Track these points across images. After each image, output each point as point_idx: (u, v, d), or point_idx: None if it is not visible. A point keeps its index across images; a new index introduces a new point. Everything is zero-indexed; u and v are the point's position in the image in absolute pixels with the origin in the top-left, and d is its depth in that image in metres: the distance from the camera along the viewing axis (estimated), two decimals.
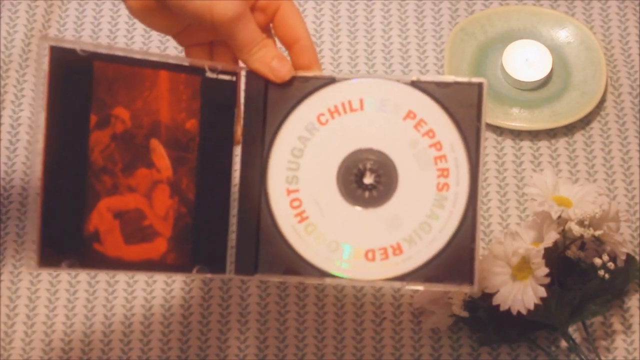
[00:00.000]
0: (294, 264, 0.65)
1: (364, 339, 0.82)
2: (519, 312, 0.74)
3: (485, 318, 0.79)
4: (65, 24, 0.96)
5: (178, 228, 0.64)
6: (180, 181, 0.64)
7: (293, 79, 0.66)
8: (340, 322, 0.83)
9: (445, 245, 0.64)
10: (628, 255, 0.79)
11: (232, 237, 0.66)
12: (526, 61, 0.92)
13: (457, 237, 0.64)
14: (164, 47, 0.95)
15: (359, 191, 0.65)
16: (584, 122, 0.91)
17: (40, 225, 0.59)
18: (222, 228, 0.66)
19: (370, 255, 0.65)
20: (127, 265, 0.63)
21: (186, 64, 0.65)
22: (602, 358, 0.80)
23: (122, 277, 0.84)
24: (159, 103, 0.64)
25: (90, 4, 0.97)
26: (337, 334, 0.82)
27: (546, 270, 0.73)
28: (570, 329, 0.81)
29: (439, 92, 0.65)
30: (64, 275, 0.84)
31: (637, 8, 0.97)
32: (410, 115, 0.65)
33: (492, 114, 0.90)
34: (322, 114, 0.66)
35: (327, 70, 0.94)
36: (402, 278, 0.64)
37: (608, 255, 0.77)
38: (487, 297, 0.76)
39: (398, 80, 0.66)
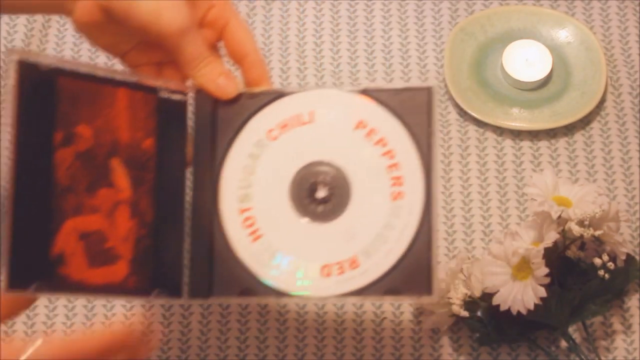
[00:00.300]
0: (250, 284, 0.63)
1: (364, 339, 0.82)
2: (519, 312, 0.74)
3: (485, 318, 0.79)
4: (65, 24, 0.96)
5: (138, 250, 0.63)
6: (140, 201, 0.63)
7: (241, 95, 0.65)
8: (340, 322, 0.83)
9: (402, 256, 0.62)
10: (628, 255, 0.79)
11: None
12: (526, 61, 0.92)
13: (414, 246, 0.62)
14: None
15: (313, 205, 0.64)
16: (584, 122, 0.91)
17: (9, 249, 0.57)
18: (178, 251, 0.64)
19: (326, 270, 0.63)
20: (90, 290, 0.61)
21: (142, 82, 0.64)
22: (602, 358, 0.80)
23: None
24: (118, 121, 0.63)
25: None
26: (337, 334, 0.82)
27: (546, 270, 0.73)
28: (570, 329, 0.81)
29: (389, 99, 0.64)
30: None
31: (637, 8, 0.97)
32: (360, 125, 0.64)
33: (492, 114, 0.90)
34: (272, 129, 0.65)
35: (327, 71, 0.94)
36: (360, 292, 0.62)
37: (608, 255, 0.77)
38: (487, 297, 0.76)
39: (347, 90, 0.65)
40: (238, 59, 0.67)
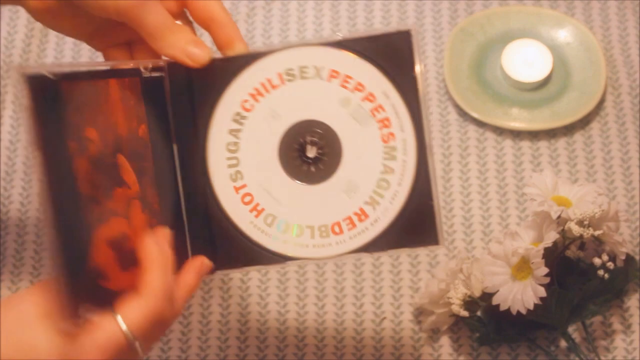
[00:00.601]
0: (256, 255, 0.63)
1: (364, 339, 0.82)
2: (518, 312, 0.74)
3: (485, 318, 0.79)
4: None
5: None
6: (146, 192, 0.62)
7: (214, 62, 0.63)
8: (340, 322, 0.83)
9: (407, 199, 0.61)
10: (627, 255, 0.79)
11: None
12: (526, 61, 0.92)
13: (417, 189, 0.61)
14: None
15: (306, 167, 0.63)
16: (584, 122, 0.91)
17: (60, 276, 0.54)
18: (181, 233, 0.63)
19: (337, 228, 0.63)
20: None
21: (123, 66, 0.62)
22: (602, 358, 0.80)
23: None
24: (115, 115, 0.61)
25: None
26: (337, 334, 0.82)
27: (546, 270, 0.73)
28: (570, 329, 0.81)
29: (360, 46, 0.62)
30: None
31: (637, 8, 0.97)
32: (333, 74, 0.62)
33: (491, 114, 0.90)
34: (246, 100, 0.63)
35: None
36: (368, 247, 0.62)
37: (607, 255, 0.77)
38: (487, 297, 0.76)
39: (320, 44, 0.62)
40: (205, 23, 0.64)
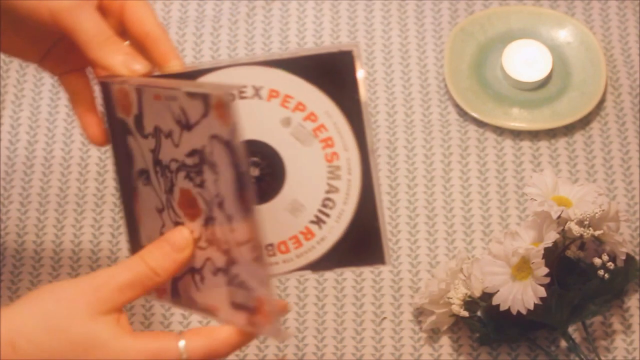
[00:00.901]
0: None
1: (364, 338, 0.82)
2: (518, 312, 0.74)
3: (485, 318, 0.79)
4: None
5: None
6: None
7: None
8: (340, 322, 0.83)
9: (353, 218, 0.61)
10: (627, 255, 0.79)
11: None
12: (526, 61, 0.92)
13: (362, 208, 0.60)
14: None
15: None
16: (584, 122, 0.91)
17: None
18: None
19: (283, 247, 0.62)
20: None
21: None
22: (602, 358, 0.80)
23: None
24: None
25: None
26: (337, 334, 0.82)
27: (546, 270, 0.73)
28: (570, 329, 0.81)
29: (300, 65, 0.60)
30: (64, 276, 0.84)
31: (637, 8, 0.97)
32: (273, 94, 0.61)
33: (492, 114, 0.90)
34: None
35: None
36: (315, 265, 0.61)
37: (608, 255, 0.77)
38: (487, 297, 0.76)
39: (252, 63, 0.60)
40: (140, 39, 0.61)
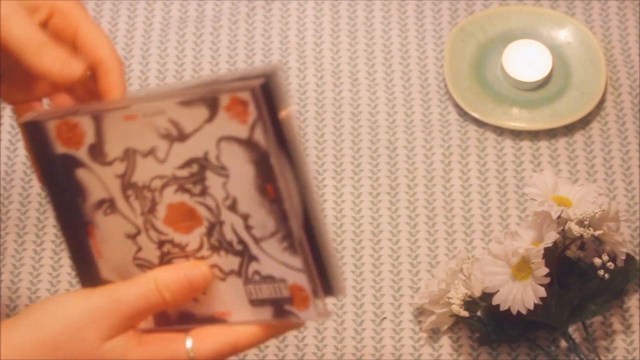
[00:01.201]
0: None
1: (364, 339, 0.82)
2: (518, 312, 0.74)
3: (485, 318, 0.79)
4: None
5: None
6: None
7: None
8: (340, 322, 0.83)
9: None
10: (628, 255, 0.79)
11: None
12: (526, 61, 0.92)
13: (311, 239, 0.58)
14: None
15: None
16: (584, 122, 0.91)
17: None
18: None
19: None
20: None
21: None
22: (602, 358, 0.80)
23: None
24: None
25: (90, 4, 0.97)
26: (337, 334, 0.82)
27: (546, 270, 0.73)
28: (570, 329, 0.81)
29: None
30: (64, 276, 0.84)
31: (637, 8, 0.97)
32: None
33: (492, 114, 0.90)
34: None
35: (327, 71, 0.94)
36: None
37: (608, 255, 0.77)
38: (487, 297, 0.76)
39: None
40: (92, 65, 0.59)
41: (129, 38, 0.96)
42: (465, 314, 0.78)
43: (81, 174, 0.58)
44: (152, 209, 0.57)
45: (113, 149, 0.57)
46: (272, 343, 0.81)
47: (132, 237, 0.58)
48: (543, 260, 0.73)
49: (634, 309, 0.83)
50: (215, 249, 0.57)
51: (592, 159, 0.89)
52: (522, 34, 0.94)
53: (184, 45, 0.96)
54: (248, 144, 0.53)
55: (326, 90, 0.93)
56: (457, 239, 0.86)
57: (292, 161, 0.55)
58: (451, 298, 0.78)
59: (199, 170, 0.55)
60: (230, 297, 0.57)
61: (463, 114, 0.91)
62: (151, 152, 0.56)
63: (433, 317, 0.80)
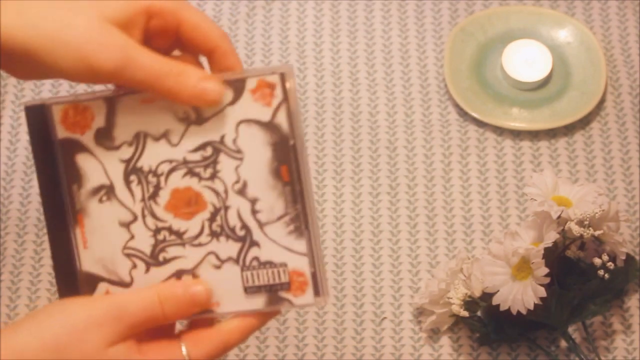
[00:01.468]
0: None
1: (364, 339, 0.82)
2: (518, 312, 0.74)
3: (485, 318, 0.79)
4: None
5: None
6: None
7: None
8: (340, 322, 0.83)
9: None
10: (627, 255, 0.79)
11: None
12: (526, 61, 0.92)
13: None
14: None
15: None
16: (584, 122, 0.91)
17: None
18: None
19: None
20: None
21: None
22: (602, 358, 0.80)
23: None
24: None
25: None
26: (337, 334, 0.82)
27: (546, 270, 0.73)
28: (570, 329, 0.81)
29: None
30: None
31: (637, 8, 0.97)
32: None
33: (492, 114, 0.90)
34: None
35: (327, 71, 0.94)
36: None
37: (608, 255, 0.77)
38: (487, 297, 0.76)
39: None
40: (207, 53, 0.58)
41: None
42: (465, 314, 0.78)
43: (82, 159, 0.59)
44: (154, 195, 0.58)
45: (123, 132, 0.58)
46: (272, 343, 0.81)
47: (126, 225, 0.59)
48: (543, 260, 0.73)
49: (634, 309, 0.83)
50: (215, 234, 0.57)
51: (592, 159, 0.89)
52: (522, 34, 0.94)
53: None
54: (269, 126, 0.56)
55: (326, 90, 0.93)
56: (457, 239, 0.86)
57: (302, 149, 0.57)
58: (451, 298, 0.78)
59: (213, 154, 0.57)
60: (222, 286, 0.58)
61: (463, 114, 0.91)
62: (164, 135, 0.57)
63: (433, 317, 0.80)
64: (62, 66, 0.54)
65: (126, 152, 0.58)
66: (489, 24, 0.95)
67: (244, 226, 0.57)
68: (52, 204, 0.60)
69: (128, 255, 0.59)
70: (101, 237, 0.59)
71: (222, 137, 0.56)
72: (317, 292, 0.57)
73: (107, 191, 0.59)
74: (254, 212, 0.56)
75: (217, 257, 0.58)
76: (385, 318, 0.83)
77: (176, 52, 0.60)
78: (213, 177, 0.57)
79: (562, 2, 0.97)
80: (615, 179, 0.88)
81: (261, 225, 0.56)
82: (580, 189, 0.79)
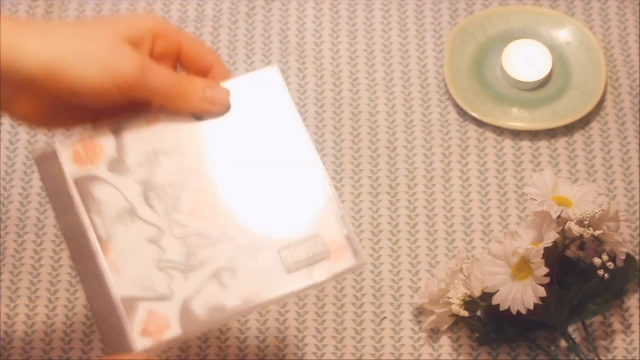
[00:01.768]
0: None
1: (364, 339, 0.82)
2: (518, 312, 0.74)
3: (485, 318, 0.79)
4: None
5: None
6: None
7: None
8: (340, 322, 0.83)
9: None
10: (627, 255, 0.79)
11: None
12: (526, 61, 0.92)
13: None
14: None
15: None
16: (584, 122, 0.91)
17: None
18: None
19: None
20: None
21: None
22: (602, 358, 0.80)
23: None
24: None
25: (90, 4, 0.97)
26: (337, 334, 0.82)
27: (546, 270, 0.73)
28: (570, 329, 0.81)
29: None
30: (64, 276, 0.84)
31: (637, 8, 0.97)
32: None
33: (491, 114, 0.90)
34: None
35: (327, 71, 0.94)
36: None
37: (608, 255, 0.77)
38: (487, 297, 0.76)
39: None
40: (204, 71, 0.64)
41: None
42: (465, 314, 0.78)
43: (98, 189, 0.60)
44: (174, 205, 0.60)
45: (135, 156, 0.60)
46: (272, 343, 0.81)
47: (155, 240, 0.60)
48: (543, 260, 0.73)
49: (634, 309, 0.83)
50: (241, 227, 0.60)
51: (592, 159, 0.89)
52: (522, 34, 0.94)
53: None
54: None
55: (326, 90, 0.93)
56: (457, 239, 0.86)
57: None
58: (451, 298, 0.78)
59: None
60: (262, 274, 0.59)
61: (463, 114, 0.91)
62: (174, 149, 0.60)
63: (433, 317, 0.80)
64: (86, 77, 0.57)
65: (141, 173, 0.60)
66: (489, 24, 0.95)
67: None
68: (77, 244, 0.61)
69: (163, 269, 0.59)
70: (132, 259, 0.60)
71: None
72: (356, 255, 0.58)
73: (129, 213, 0.60)
74: None
75: (249, 247, 0.59)
76: (385, 318, 0.83)
77: None
78: None
79: (562, 2, 0.97)
80: (615, 179, 0.88)
81: None
82: (580, 189, 0.79)
